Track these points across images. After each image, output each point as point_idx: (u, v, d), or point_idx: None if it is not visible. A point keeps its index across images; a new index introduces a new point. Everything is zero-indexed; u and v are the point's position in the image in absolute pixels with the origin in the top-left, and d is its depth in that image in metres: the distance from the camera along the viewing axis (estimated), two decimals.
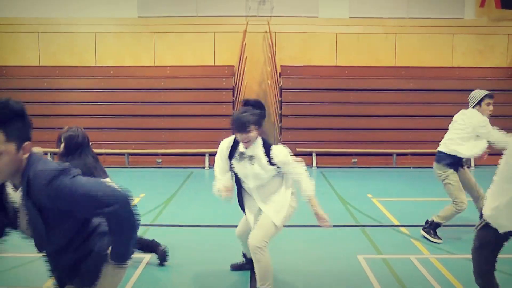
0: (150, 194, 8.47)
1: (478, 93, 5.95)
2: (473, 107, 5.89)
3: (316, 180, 10.09)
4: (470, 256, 3.52)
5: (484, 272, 3.58)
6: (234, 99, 12.48)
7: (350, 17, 13.28)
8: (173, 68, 13.04)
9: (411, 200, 8.50)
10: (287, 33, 13.24)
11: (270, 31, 12.94)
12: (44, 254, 2.46)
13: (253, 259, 4.10)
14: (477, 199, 6.04)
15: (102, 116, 12.32)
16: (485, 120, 5.82)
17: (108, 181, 4.38)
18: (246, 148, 4.09)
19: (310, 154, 11.70)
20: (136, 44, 13.29)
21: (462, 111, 6.03)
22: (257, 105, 4.13)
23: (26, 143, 2.21)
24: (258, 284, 4.07)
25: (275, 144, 4.25)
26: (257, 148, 4.09)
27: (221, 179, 4.22)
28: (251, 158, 4.10)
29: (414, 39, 13.30)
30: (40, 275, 4.38)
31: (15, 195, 2.32)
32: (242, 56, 12.70)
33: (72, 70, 13.02)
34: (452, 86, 12.57)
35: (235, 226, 4.80)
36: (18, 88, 12.47)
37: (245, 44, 12.71)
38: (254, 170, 4.10)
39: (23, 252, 4.80)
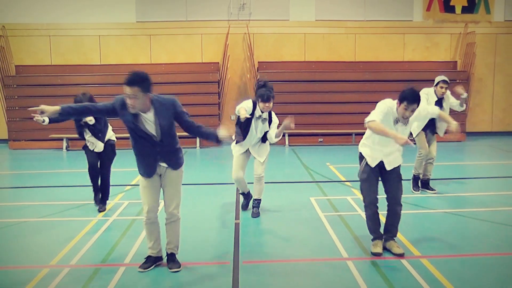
0: None
1: (437, 78, 7.66)
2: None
3: (288, 156, 12.31)
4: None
5: (374, 202, 5.11)
6: (219, 90, 14.08)
7: (316, 20, 14.75)
8: (167, 65, 14.44)
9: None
10: (263, 34, 14.66)
11: (248, 33, 14.36)
12: (157, 149, 4.44)
13: (257, 182, 6.57)
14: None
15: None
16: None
17: None
18: (263, 112, 6.25)
19: (283, 135, 13.67)
20: (135, 45, 14.62)
21: None
22: (271, 87, 6.32)
23: (148, 93, 4.26)
24: (256, 196, 6.66)
25: None
26: (267, 114, 6.32)
27: (244, 106, 6.13)
28: (264, 120, 6.33)
29: (371, 38, 14.91)
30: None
31: (145, 115, 4.35)
32: (225, 54, 14.14)
33: (79, 68, 14.40)
34: (403, 77, 14.25)
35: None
36: (33, 84, 14.00)
37: (228, 44, 14.11)
38: (263, 127, 6.35)
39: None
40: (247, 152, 6.59)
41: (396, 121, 4.99)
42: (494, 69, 15.29)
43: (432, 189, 7.91)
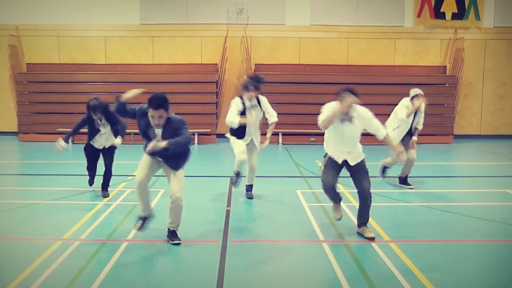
0: None
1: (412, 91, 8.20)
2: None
3: (281, 153, 12.99)
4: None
5: (330, 186, 5.71)
6: (217, 90, 14.69)
7: (311, 24, 15.36)
8: (168, 66, 15.08)
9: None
10: (260, 38, 15.28)
11: (246, 36, 14.95)
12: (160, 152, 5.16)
13: (251, 172, 7.56)
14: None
15: (110, 103, 14.39)
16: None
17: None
18: (250, 101, 7.10)
19: (277, 134, 14.25)
20: (138, 46, 15.27)
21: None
22: (256, 78, 7.32)
23: (168, 111, 5.07)
24: (250, 183, 7.64)
25: None
26: (256, 101, 7.20)
27: (237, 117, 7.02)
28: (255, 106, 7.22)
29: (363, 42, 15.50)
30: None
31: (156, 130, 5.17)
32: (224, 56, 14.74)
33: (85, 67, 15.03)
34: (394, 80, 14.87)
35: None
36: (42, 81, 14.73)
37: (226, 47, 14.71)
38: (257, 113, 7.26)
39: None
40: (248, 144, 7.37)
41: (342, 121, 5.55)
42: (483, 73, 15.88)
43: (409, 185, 8.51)
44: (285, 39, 15.42)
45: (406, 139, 8.33)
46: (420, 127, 8.44)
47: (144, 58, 15.37)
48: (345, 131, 5.60)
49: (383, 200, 7.75)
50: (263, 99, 7.42)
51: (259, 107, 7.32)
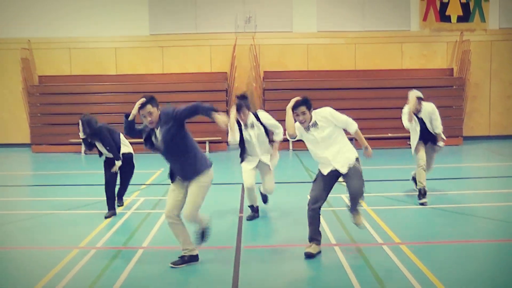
0: (167, 170, 11.37)
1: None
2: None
3: (291, 159, 13.11)
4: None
5: (312, 207, 5.31)
6: (227, 98, 14.92)
7: (318, 31, 15.57)
8: (178, 75, 15.33)
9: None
10: (268, 45, 15.49)
11: (254, 44, 15.18)
12: (171, 160, 4.95)
13: (269, 191, 6.98)
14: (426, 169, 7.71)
15: (122, 113, 14.51)
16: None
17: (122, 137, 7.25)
18: (244, 122, 6.52)
19: (287, 140, 14.49)
20: (148, 56, 15.54)
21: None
22: (246, 96, 6.73)
23: (157, 107, 4.90)
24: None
25: None
26: (252, 119, 6.59)
27: (237, 133, 6.59)
28: (252, 125, 6.58)
29: (370, 47, 15.67)
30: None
31: (157, 131, 4.93)
32: (232, 64, 14.98)
33: (96, 77, 15.33)
34: (401, 84, 14.79)
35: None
36: (54, 92, 15.08)
37: (235, 55, 14.94)
38: (257, 132, 6.59)
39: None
40: (255, 167, 6.79)
41: (307, 129, 5.36)
42: (490, 74, 15.98)
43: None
44: (293, 46, 15.63)
45: (429, 146, 7.81)
46: (438, 131, 7.75)
47: (154, 68, 15.63)
48: (316, 138, 5.36)
49: (393, 203, 7.85)
50: (262, 115, 6.74)
51: (259, 124, 6.64)
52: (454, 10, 15.67)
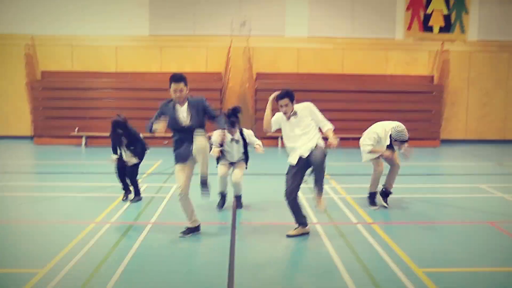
0: (164, 162, 12.23)
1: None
2: None
3: (281, 158, 13.96)
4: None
5: (290, 198, 5.90)
6: (221, 97, 15.66)
7: (308, 36, 16.38)
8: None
9: (342, 164, 12.40)
10: (261, 48, 16.26)
11: (248, 47, 15.94)
12: (189, 135, 5.71)
13: (236, 184, 7.35)
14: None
15: (121, 108, 14.72)
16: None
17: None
18: (233, 135, 7.28)
19: (277, 137, 15.39)
20: (147, 55, 16.21)
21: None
22: (239, 111, 7.30)
23: (187, 87, 5.82)
24: (238, 193, 7.55)
25: (252, 129, 7.87)
26: (239, 135, 7.35)
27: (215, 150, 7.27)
28: (237, 141, 7.34)
29: (357, 53, 16.54)
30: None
31: (181, 108, 5.83)
32: (227, 65, 15.70)
33: (97, 74, 15.99)
34: (385, 88, 15.97)
35: None
36: (56, 87, 15.69)
37: (230, 56, 15.67)
38: (238, 147, 7.40)
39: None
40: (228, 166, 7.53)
41: (288, 118, 5.96)
42: (468, 83, 16.98)
43: (386, 205, 7.63)
44: (285, 50, 16.43)
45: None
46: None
47: (153, 66, 16.33)
48: (292, 126, 5.89)
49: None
50: (246, 132, 7.51)
51: (241, 139, 7.41)
52: (437, 21, 16.64)
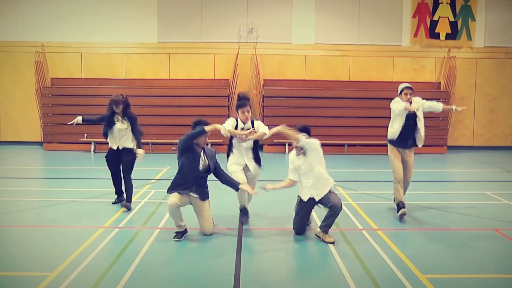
0: (172, 167, 12.37)
1: (400, 86, 7.68)
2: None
3: (287, 161, 13.99)
4: None
5: (301, 230, 6.34)
6: (228, 104, 15.77)
7: (315, 43, 16.46)
8: (184, 81, 16.20)
9: (349, 170, 12.48)
10: (269, 55, 16.36)
11: (256, 54, 16.04)
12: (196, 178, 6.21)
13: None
14: (402, 181, 7.43)
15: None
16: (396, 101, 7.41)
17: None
18: (245, 124, 6.85)
19: (284, 144, 15.43)
20: (156, 62, 16.37)
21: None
22: (248, 97, 7.07)
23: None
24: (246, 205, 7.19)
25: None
26: (250, 124, 6.90)
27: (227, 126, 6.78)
28: (248, 129, 6.79)
29: (364, 60, 16.58)
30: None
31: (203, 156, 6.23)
32: (235, 72, 15.83)
33: (106, 81, 16.15)
34: (392, 95, 15.66)
35: None
36: (66, 94, 15.89)
37: (237, 63, 15.78)
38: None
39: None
40: (244, 169, 6.96)
41: (297, 155, 6.42)
42: (475, 89, 16.98)
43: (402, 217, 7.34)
44: (292, 57, 16.53)
45: (403, 152, 7.59)
46: (419, 144, 7.67)
47: (161, 73, 16.49)
48: (301, 165, 6.27)
49: (374, 199, 8.84)
50: (259, 124, 7.01)
51: (252, 129, 6.86)
52: (443, 28, 16.69)
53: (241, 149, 6.93)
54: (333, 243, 6.13)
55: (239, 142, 6.88)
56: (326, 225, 6.21)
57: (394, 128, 7.54)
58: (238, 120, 6.91)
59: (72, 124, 8.05)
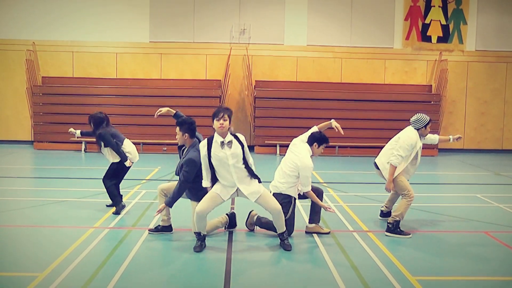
0: (163, 168, 12.35)
1: (425, 117, 6.62)
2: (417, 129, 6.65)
3: (278, 162, 14.05)
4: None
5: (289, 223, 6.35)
6: (220, 104, 15.71)
7: (307, 45, 16.54)
8: (175, 81, 16.20)
9: (339, 172, 12.51)
10: (261, 56, 16.42)
11: (248, 55, 16.06)
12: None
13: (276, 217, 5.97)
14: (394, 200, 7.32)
15: (121, 115, 15.46)
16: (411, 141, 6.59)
17: (126, 142, 7.64)
18: (224, 137, 5.61)
19: (275, 145, 15.40)
20: (147, 62, 16.37)
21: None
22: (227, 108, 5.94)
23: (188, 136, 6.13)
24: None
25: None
26: (231, 136, 5.72)
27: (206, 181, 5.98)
28: (229, 143, 5.63)
29: (356, 62, 16.68)
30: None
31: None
32: (226, 72, 15.82)
33: (98, 80, 16.11)
34: (383, 97, 16.08)
35: None
36: (57, 93, 15.82)
37: (229, 64, 15.79)
38: (235, 151, 5.64)
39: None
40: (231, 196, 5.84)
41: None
42: (466, 92, 17.13)
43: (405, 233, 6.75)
44: (284, 58, 16.58)
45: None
46: (432, 142, 7.30)
47: (153, 73, 16.47)
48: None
49: (365, 201, 8.87)
50: (241, 137, 5.87)
51: (237, 143, 5.69)
52: (435, 31, 16.81)
53: (227, 170, 5.74)
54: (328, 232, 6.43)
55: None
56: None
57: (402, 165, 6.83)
58: (215, 135, 5.73)
59: (74, 134, 8.25)
